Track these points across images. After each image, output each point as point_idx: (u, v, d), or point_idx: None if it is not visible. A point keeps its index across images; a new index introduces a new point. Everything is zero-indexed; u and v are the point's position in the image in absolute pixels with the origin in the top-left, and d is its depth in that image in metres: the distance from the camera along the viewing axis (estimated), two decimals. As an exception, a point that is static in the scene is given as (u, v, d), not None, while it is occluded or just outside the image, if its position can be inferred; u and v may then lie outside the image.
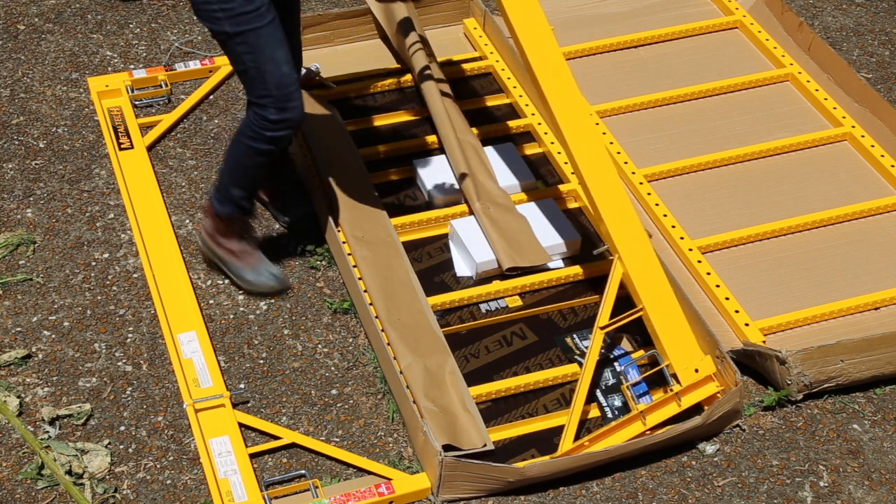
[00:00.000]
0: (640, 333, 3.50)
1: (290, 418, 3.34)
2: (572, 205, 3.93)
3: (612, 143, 4.10)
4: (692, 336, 3.28)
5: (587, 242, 3.78)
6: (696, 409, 3.26)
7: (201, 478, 3.18)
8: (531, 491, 3.16)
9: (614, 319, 3.29)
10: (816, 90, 4.32)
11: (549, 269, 3.69)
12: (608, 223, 3.34)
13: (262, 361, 3.49)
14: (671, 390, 3.24)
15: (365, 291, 3.54)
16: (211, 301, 3.66)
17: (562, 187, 3.96)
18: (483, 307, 3.59)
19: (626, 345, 3.47)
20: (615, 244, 3.34)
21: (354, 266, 3.61)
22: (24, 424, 3.28)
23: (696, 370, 3.23)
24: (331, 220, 3.76)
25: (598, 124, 4.17)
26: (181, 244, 3.80)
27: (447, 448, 3.09)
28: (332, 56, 4.51)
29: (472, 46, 4.60)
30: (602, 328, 3.29)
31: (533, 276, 3.65)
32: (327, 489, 3.12)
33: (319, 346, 3.54)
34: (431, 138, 4.12)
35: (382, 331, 3.43)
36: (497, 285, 3.62)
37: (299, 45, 3.62)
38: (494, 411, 3.31)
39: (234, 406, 3.33)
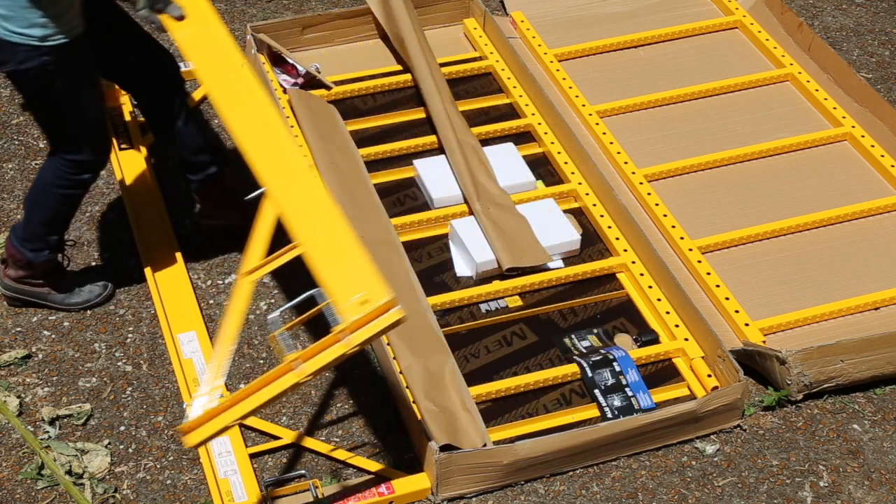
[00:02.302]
0: (640, 333, 3.51)
1: (290, 418, 3.34)
2: (572, 205, 3.94)
3: (612, 143, 4.10)
4: (370, 270, 2.68)
5: (587, 242, 3.79)
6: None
7: (201, 478, 3.18)
8: (531, 479, 3.17)
9: (262, 262, 2.77)
10: (816, 90, 4.32)
11: (549, 269, 3.69)
12: (252, 156, 2.84)
13: (262, 361, 3.49)
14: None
15: (365, 291, 3.54)
16: (211, 301, 3.66)
17: (562, 187, 3.96)
18: (483, 307, 3.59)
19: (623, 343, 3.48)
20: (263, 178, 2.82)
21: (354, 266, 3.61)
22: (24, 424, 3.28)
23: (366, 301, 2.62)
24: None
25: (598, 124, 4.17)
26: (181, 244, 3.80)
27: (445, 448, 3.09)
28: (332, 56, 4.52)
29: (472, 46, 4.60)
30: (247, 273, 2.75)
31: (533, 276, 3.65)
32: (327, 489, 3.12)
33: (319, 346, 3.54)
34: (431, 138, 4.12)
35: (382, 331, 3.43)
36: (497, 285, 3.63)
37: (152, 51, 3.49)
38: (494, 411, 3.31)
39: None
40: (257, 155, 2.84)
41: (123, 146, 4.09)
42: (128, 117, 4.19)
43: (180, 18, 3.11)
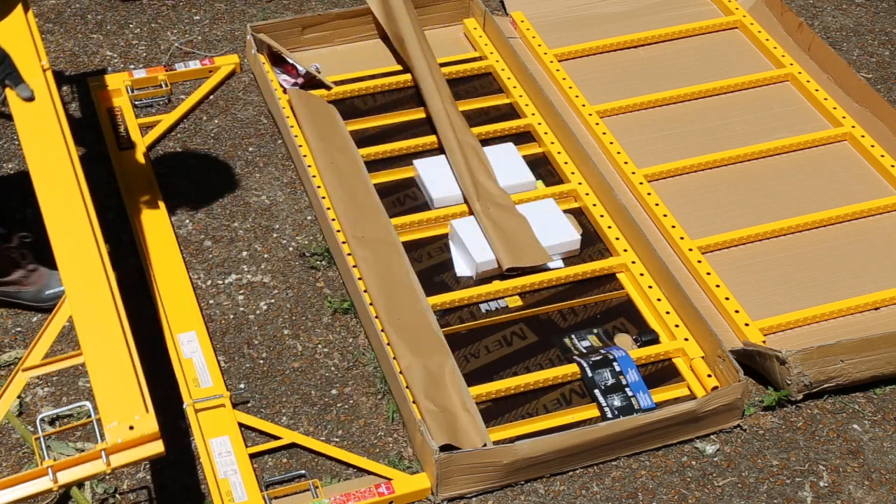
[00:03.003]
0: (640, 333, 3.51)
1: (290, 418, 3.34)
2: (572, 205, 3.94)
3: (612, 143, 4.11)
4: (137, 392, 2.71)
5: (587, 242, 3.79)
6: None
7: (201, 478, 3.18)
8: (532, 479, 3.17)
9: (43, 362, 2.82)
10: (816, 90, 4.32)
11: (549, 269, 3.69)
12: (60, 257, 2.86)
13: (262, 361, 3.49)
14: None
15: (365, 291, 3.54)
16: (211, 301, 3.66)
17: (562, 187, 3.96)
18: (483, 307, 3.60)
19: (623, 343, 3.48)
20: (64, 279, 2.84)
21: (354, 266, 3.61)
22: (24, 424, 3.28)
23: (132, 427, 2.63)
24: (331, 220, 3.76)
25: (598, 124, 4.17)
26: (181, 244, 3.80)
27: (444, 448, 3.09)
28: (332, 56, 4.52)
29: (472, 46, 4.60)
30: (25, 369, 2.79)
31: (533, 276, 3.65)
32: (327, 489, 3.13)
33: (319, 346, 3.55)
34: (431, 138, 4.12)
35: (382, 331, 3.43)
36: (497, 285, 3.63)
37: None
38: (494, 411, 3.31)
39: (234, 406, 3.34)
40: (63, 257, 2.85)
41: (123, 146, 4.09)
42: (129, 118, 4.20)
43: (28, 100, 3.01)
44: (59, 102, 3.03)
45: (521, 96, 4.29)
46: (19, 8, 3.13)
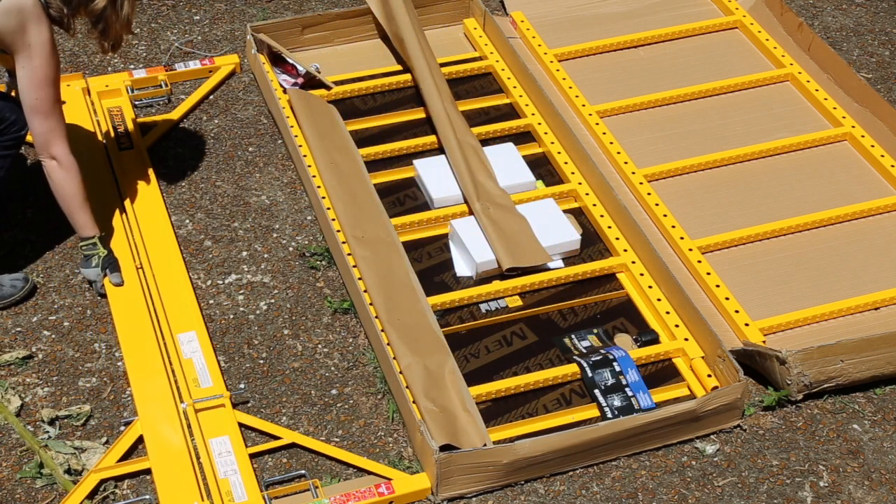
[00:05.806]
0: (640, 333, 3.51)
1: (290, 418, 3.34)
2: (572, 205, 3.94)
3: (612, 143, 4.11)
4: (195, 488, 3.12)
5: (587, 242, 3.79)
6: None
7: (201, 478, 3.17)
8: (532, 479, 3.17)
9: (115, 465, 3.14)
10: (816, 90, 4.32)
11: (549, 269, 3.69)
12: (136, 392, 3.33)
13: (262, 361, 3.49)
14: None
15: (365, 291, 3.54)
16: (211, 301, 3.66)
17: (562, 187, 3.96)
18: (483, 307, 3.60)
19: (623, 343, 3.48)
20: (139, 409, 3.29)
21: (354, 266, 3.61)
22: (24, 424, 3.28)
23: None
24: (331, 220, 3.76)
25: (598, 124, 4.17)
26: (181, 244, 3.80)
27: (444, 448, 3.09)
28: (332, 56, 4.52)
29: (472, 46, 4.60)
30: (98, 470, 3.14)
31: (533, 276, 3.65)
32: (327, 489, 3.12)
33: (319, 346, 3.54)
34: (431, 138, 4.12)
35: (382, 331, 3.43)
36: (497, 285, 3.63)
37: None
38: (494, 411, 3.31)
39: (234, 406, 3.33)
40: (140, 392, 3.34)
41: (123, 146, 4.09)
42: (129, 118, 4.20)
43: (118, 285, 3.63)
44: (144, 291, 3.62)
45: (521, 96, 4.29)
46: (123, 232, 3.81)
